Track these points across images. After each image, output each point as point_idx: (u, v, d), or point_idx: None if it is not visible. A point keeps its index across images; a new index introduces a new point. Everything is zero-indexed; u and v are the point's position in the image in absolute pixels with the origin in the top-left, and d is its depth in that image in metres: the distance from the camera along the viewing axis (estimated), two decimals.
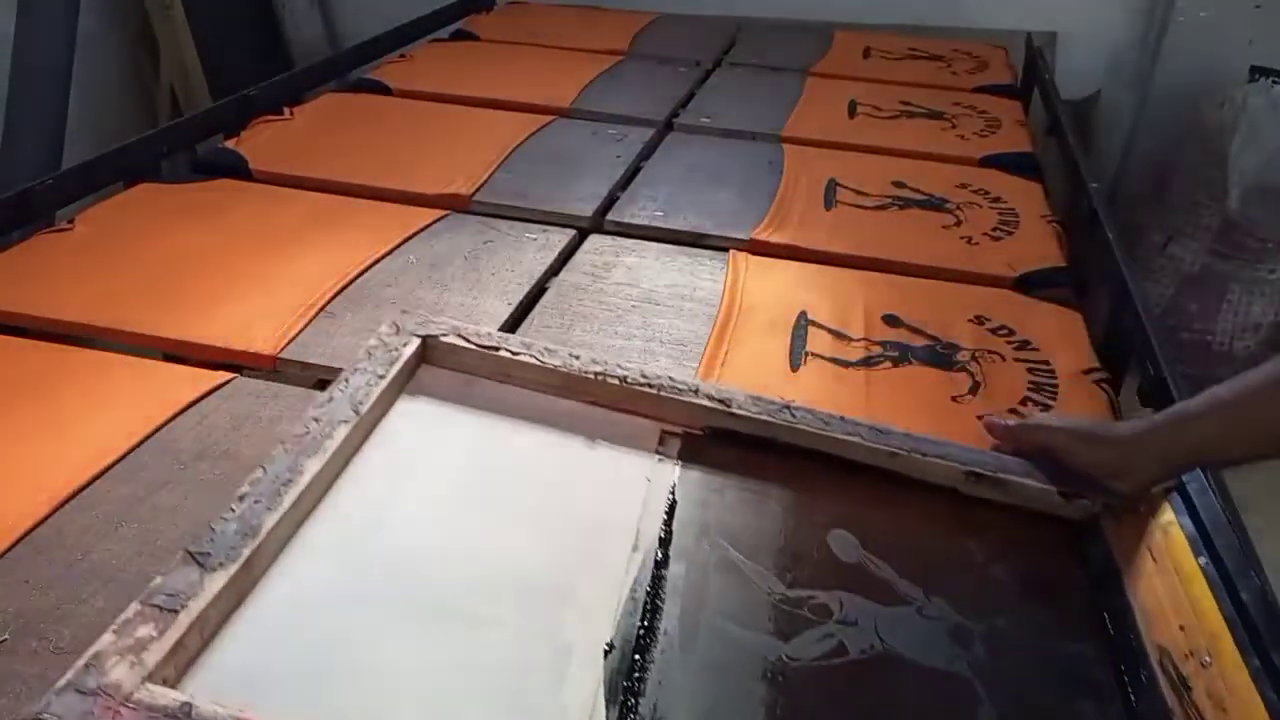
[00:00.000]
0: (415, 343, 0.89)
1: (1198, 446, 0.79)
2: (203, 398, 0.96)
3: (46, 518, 0.80)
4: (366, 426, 0.81)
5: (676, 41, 2.24)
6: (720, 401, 0.86)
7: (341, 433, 0.77)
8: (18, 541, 0.77)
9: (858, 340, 1.13)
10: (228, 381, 0.99)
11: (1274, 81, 2.45)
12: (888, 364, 1.09)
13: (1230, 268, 2.51)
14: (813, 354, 1.10)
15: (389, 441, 0.82)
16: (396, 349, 0.87)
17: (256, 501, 0.69)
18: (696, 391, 0.87)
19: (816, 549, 0.77)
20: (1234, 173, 2.40)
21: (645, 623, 0.68)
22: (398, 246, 1.27)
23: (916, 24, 2.65)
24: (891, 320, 1.17)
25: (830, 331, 1.14)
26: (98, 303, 1.11)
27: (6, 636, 0.70)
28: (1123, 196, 2.80)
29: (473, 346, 0.89)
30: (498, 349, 0.89)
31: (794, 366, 1.08)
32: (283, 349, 1.04)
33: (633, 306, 1.18)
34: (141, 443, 0.89)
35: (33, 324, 1.09)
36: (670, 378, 0.88)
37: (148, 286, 1.15)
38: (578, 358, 0.88)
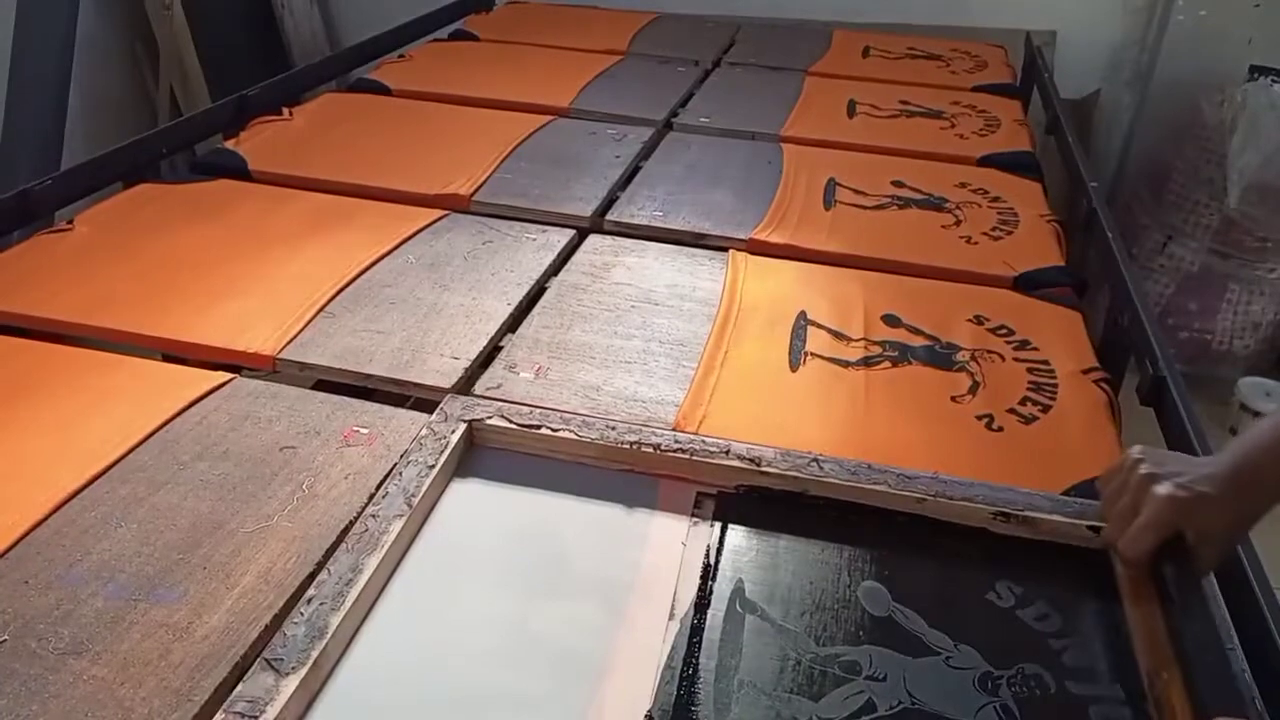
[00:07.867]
0: (462, 428, 0.92)
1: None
2: (203, 398, 0.96)
3: (46, 518, 0.80)
4: (420, 516, 0.85)
5: (676, 41, 2.24)
6: (751, 460, 0.89)
7: (396, 527, 0.80)
8: (18, 541, 0.78)
9: (857, 340, 1.13)
10: (228, 381, 0.99)
11: (1273, 81, 2.45)
12: (887, 364, 1.09)
13: (1230, 266, 2.51)
14: (812, 354, 1.10)
15: (441, 528, 0.85)
16: (445, 436, 0.91)
17: (322, 603, 0.72)
18: (727, 452, 0.89)
19: (847, 604, 0.78)
20: (1233, 172, 2.41)
21: (681, 691, 0.70)
22: (398, 246, 1.27)
23: (916, 23, 2.66)
24: (891, 320, 1.17)
25: (829, 331, 1.14)
26: (98, 303, 1.11)
27: (6, 637, 0.70)
28: (1122, 196, 2.80)
29: (516, 426, 0.93)
30: (539, 427, 0.92)
31: (793, 366, 1.08)
32: (282, 349, 1.04)
33: (632, 306, 1.18)
34: (141, 443, 0.89)
35: (33, 324, 1.09)
36: (704, 440, 0.91)
37: (148, 286, 1.15)
38: (614, 429, 0.92)
